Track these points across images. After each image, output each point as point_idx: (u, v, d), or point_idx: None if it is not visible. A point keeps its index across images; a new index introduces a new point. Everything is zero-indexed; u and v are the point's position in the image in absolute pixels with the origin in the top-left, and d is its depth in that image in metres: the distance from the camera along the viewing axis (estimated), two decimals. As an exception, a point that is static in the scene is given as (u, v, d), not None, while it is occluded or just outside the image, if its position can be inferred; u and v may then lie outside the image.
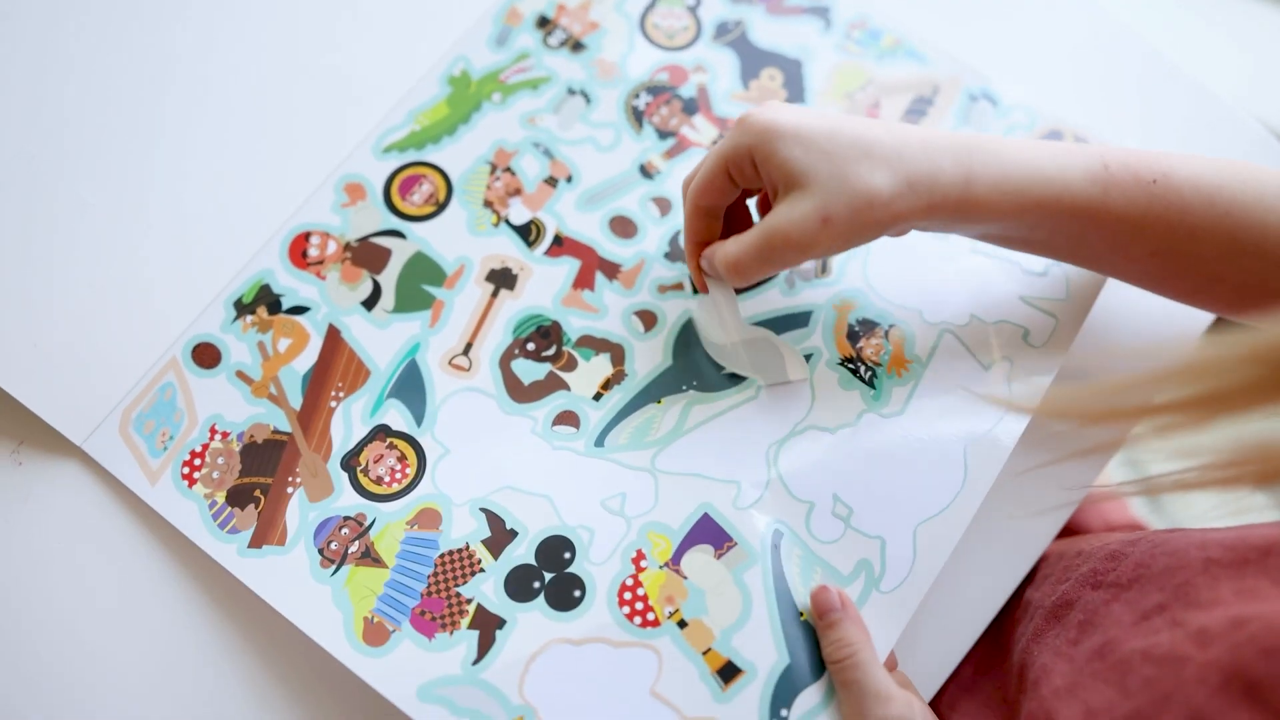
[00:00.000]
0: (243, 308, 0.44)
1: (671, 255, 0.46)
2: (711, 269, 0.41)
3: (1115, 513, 0.58)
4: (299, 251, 0.45)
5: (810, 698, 0.38)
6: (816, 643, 0.39)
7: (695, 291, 0.45)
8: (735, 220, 0.43)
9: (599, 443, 0.43)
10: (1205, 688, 0.29)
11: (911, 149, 0.37)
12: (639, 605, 0.39)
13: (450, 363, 0.44)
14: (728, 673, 0.38)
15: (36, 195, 0.44)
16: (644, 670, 0.38)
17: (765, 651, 0.38)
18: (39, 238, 0.44)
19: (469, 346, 0.44)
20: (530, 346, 0.44)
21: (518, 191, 0.47)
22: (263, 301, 0.44)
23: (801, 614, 0.39)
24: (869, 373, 0.43)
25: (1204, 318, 0.48)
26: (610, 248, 0.46)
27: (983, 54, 0.52)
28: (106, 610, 0.41)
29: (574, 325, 0.45)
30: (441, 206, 0.46)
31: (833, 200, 0.36)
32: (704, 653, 0.38)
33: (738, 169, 0.39)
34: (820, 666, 0.38)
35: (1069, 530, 0.56)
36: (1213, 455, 0.30)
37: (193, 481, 0.41)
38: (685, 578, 0.40)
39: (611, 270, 0.46)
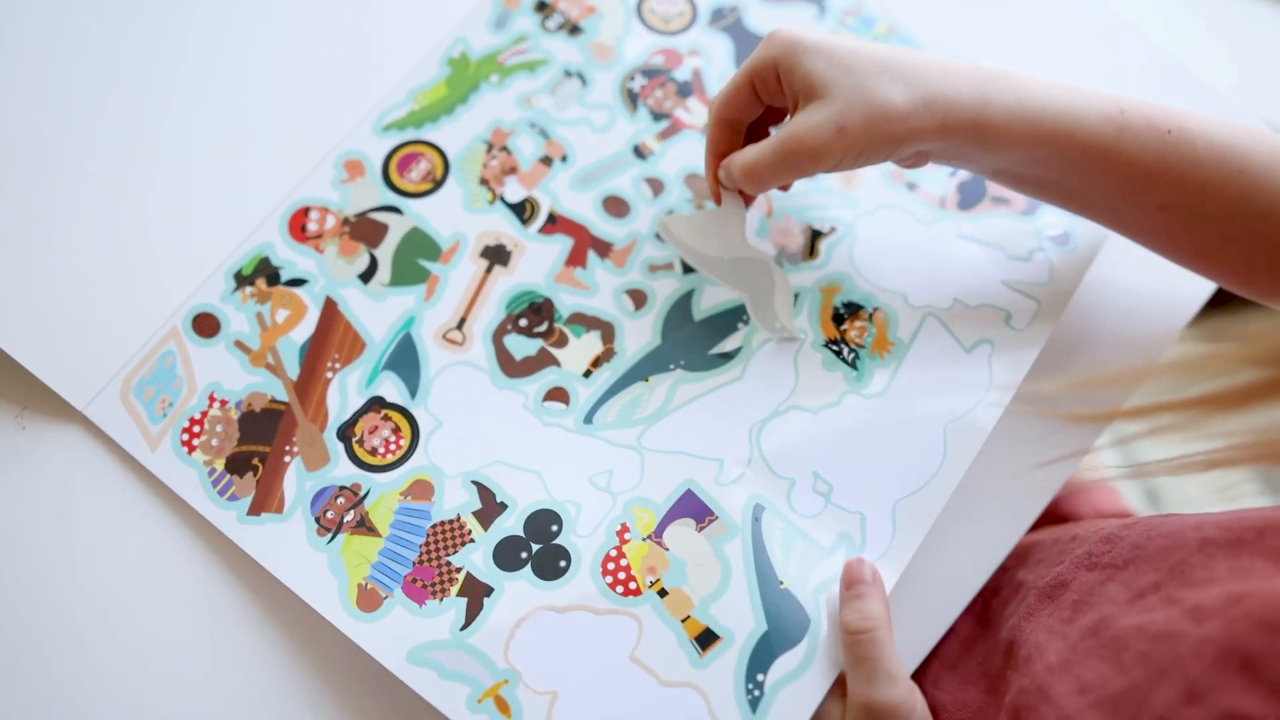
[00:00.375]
0: (242, 279, 0.45)
1: (662, 236, 0.47)
2: (729, 178, 0.42)
3: (1106, 500, 0.58)
4: (298, 225, 0.46)
5: (787, 663, 0.39)
6: (796, 611, 0.40)
7: (680, 268, 0.46)
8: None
9: (588, 420, 0.44)
10: (1201, 662, 0.29)
11: (931, 70, 0.38)
12: (621, 575, 0.40)
13: (444, 336, 0.45)
14: (705, 639, 0.39)
15: (42, 167, 0.45)
16: (624, 636, 0.39)
17: (743, 619, 0.39)
18: (44, 208, 0.45)
19: (463, 321, 0.45)
20: (523, 322, 0.45)
21: (513, 170, 0.48)
22: (262, 273, 0.45)
23: (781, 582, 0.40)
24: (852, 355, 0.44)
25: (1188, 303, 0.49)
26: (603, 227, 0.47)
27: (982, 47, 0.52)
28: (106, 572, 0.42)
29: (565, 302, 0.46)
30: (438, 184, 0.47)
31: (849, 110, 0.37)
32: (683, 620, 0.40)
33: (762, 82, 0.40)
34: (798, 634, 0.39)
35: (1060, 518, 0.57)
36: (1246, 435, 0.31)
37: (192, 448, 0.42)
38: (667, 549, 0.41)
39: (603, 249, 0.47)
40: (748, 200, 0.45)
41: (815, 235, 0.47)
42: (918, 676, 0.45)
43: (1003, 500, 0.45)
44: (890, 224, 0.47)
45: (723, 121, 0.42)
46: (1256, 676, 0.28)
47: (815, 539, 0.41)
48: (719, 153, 0.43)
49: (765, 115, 0.43)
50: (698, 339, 0.45)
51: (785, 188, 0.47)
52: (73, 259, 0.44)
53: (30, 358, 0.43)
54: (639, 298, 0.46)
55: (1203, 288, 0.49)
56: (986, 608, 0.45)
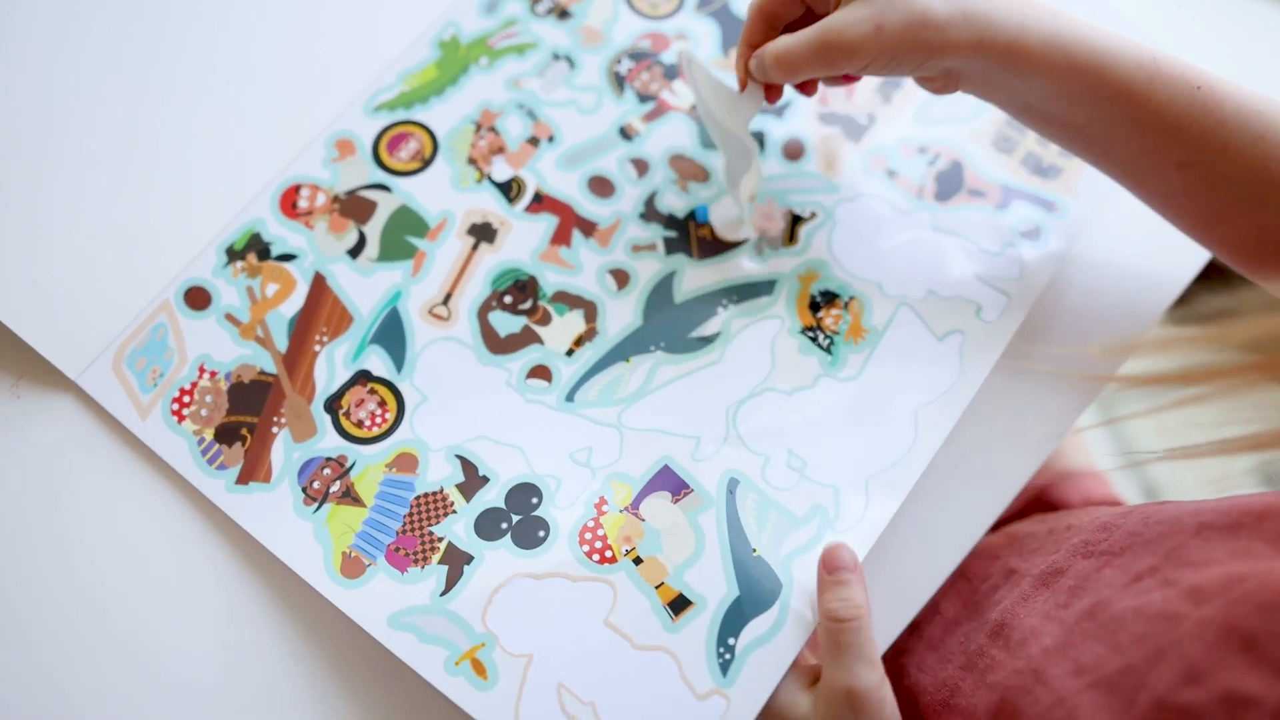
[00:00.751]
0: (234, 254, 0.46)
1: (646, 216, 0.48)
2: (759, 68, 0.42)
3: (1095, 489, 0.58)
4: (289, 202, 0.47)
5: (758, 627, 0.40)
6: (768, 578, 0.41)
7: (679, 248, 0.47)
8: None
9: (569, 398, 0.45)
10: (1201, 643, 0.29)
11: None
12: (598, 545, 0.41)
13: (430, 312, 0.46)
14: (679, 605, 0.40)
15: (42, 143, 0.46)
16: (599, 602, 0.40)
17: (716, 585, 0.41)
18: (44, 184, 0.46)
19: (448, 297, 0.46)
20: (507, 299, 0.46)
21: (501, 150, 0.49)
22: (253, 248, 0.46)
23: (754, 550, 0.41)
24: (827, 341, 0.45)
25: (1158, 302, 0.50)
26: (588, 206, 0.48)
27: None
28: (95, 538, 0.43)
29: (550, 280, 0.47)
30: (427, 163, 0.48)
31: (889, 11, 0.38)
32: (657, 587, 0.41)
33: None
34: (769, 599, 0.40)
35: (1050, 505, 0.57)
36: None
37: (182, 418, 0.43)
38: (643, 520, 0.42)
39: (588, 228, 0.48)
40: (770, 97, 0.45)
41: (796, 220, 0.48)
42: (901, 656, 0.46)
43: (983, 477, 0.46)
44: (869, 211, 0.48)
45: (762, 14, 0.42)
46: (1258, 657, 0.28)
47: (789, 509, 0.42)
48: (752, 44, 0.43)
49: (803, 20, 0.43)
50: (678, 321, 0.46)
51: (809, 89, 0.46)
52: (69, 233, 0.45)
53: (25, 328, 0.44)
54: (622, 278, 0.47)
55: (1184, 272, 0.50)
56: (975, 592, 0.45)
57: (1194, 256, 0.50)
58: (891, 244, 0.48)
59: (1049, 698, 0.33)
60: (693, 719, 0.38)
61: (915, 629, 0.47)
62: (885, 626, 0.44)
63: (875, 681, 0.36)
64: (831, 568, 0.39)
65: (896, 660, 0.46)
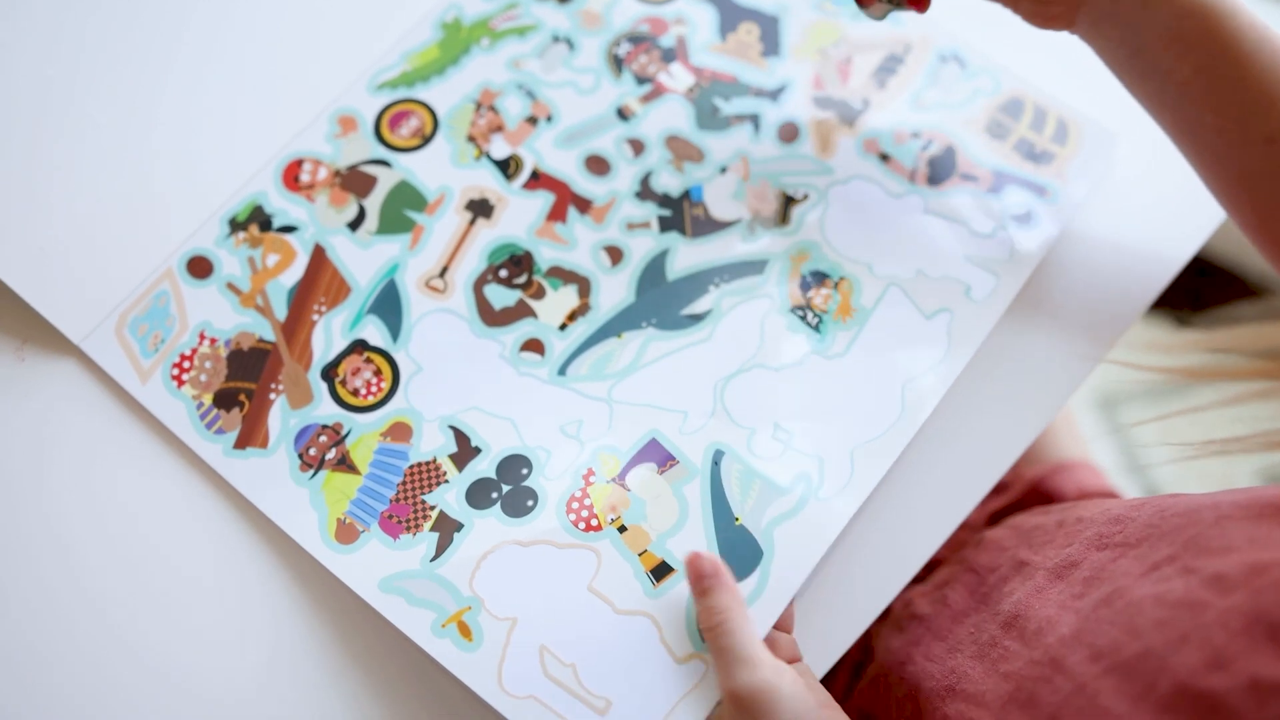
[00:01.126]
0: (236, 225, 0.47)
1: (642, 195, 0.49)
2: None
3: (1090, 480, 0.59)
4: (292, 176, 0.48)
5: None
6: (749, 545, 0.41)
7: (673, 227, 0.48)
8: None
9: (561, 372, 0.45)
10: (1226, 630, 0.29)
11: None
12: (584, 513, 0.42)
13: (427, 284, 0.47)
14: (660, 571, 0.41)
15: (50, 114, 0.47)
16: (584, 568, 0.41)
17: None
18: (50, 153, 0.47)
19: (445, 269, 0.47)
20: (503, 273, 0.47)
21: (500, 128, 0.50)
22: (255, 220, 0.47)
23: (736, 519, 0.42)
24: (816, 319, 0.46)
25: (1148, 288, 0.50)
26: (584, 184, 0.49)
27: (984, 37, 0.53)
28: (93, 500, 0.44)
29: (545, 256, 0.47)
30: (427, 140, 0.49)
31: None
32: (640, 554, 0.41)
33: None
34: (750, 566, 0.41)
35: (1046, 497, 0.58)
36: None
37: (181, 383, 0.44)
38: (629, 490, 0.43)
39: (584, 205, 0.48)
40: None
41: (789, 201, 0.49)
42: (908, 645, 0.46)
43: (970, 456, 0.47)
44: (861, 194, 0.49)
45: None
46: None
47: (772, 479, 0.43)
48: None
49: None
50: (670, 299, 0.47)
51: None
52: (76, 202, 0.46)
53: (32, 293, 0.45)
54: (615, 254, 0.48)
55: (1175, 259, 0.50)
56: (983, 583, 0.45)
57: (1184, 246, 0.51)
58: (883, 226, 0.48)
59: (1068, 686, 0.33)
60: (672, 681, 0.39)
61: (922, 620, 0.47)
62: (867, 600, 0.45)
63: (757, 680, 0.35)
64: (692, 578, 0.38)
65: (901, 649, 0.47)
